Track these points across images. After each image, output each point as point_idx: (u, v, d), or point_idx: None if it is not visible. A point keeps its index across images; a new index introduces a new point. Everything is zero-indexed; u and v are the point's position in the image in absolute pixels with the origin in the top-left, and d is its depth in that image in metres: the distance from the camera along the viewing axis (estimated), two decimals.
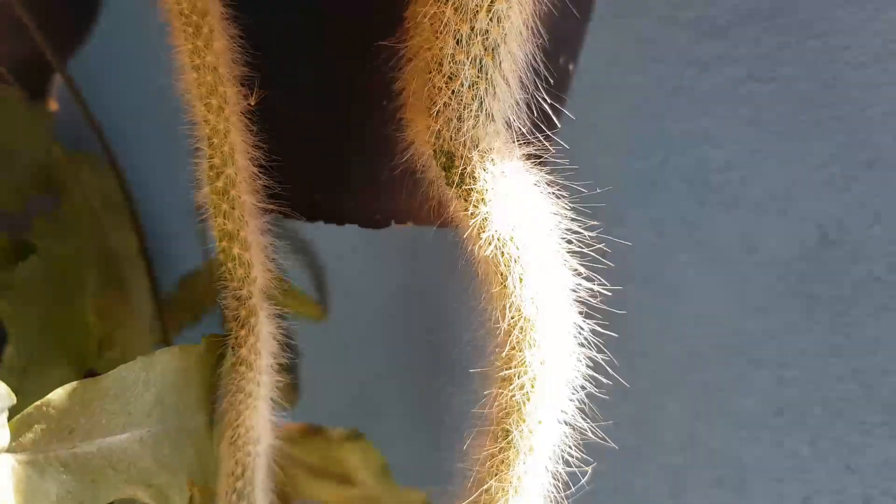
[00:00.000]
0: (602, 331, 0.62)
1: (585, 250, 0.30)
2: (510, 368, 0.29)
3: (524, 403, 0.29)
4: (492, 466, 0.30)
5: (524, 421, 0.29)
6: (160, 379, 0.29)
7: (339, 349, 0.64)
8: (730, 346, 0.57)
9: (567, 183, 0.32)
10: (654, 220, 0.57)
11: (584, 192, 0.31)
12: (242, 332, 0.33)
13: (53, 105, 0.60)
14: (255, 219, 0.32)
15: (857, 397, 0.54)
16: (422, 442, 0.62)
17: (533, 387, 0.29)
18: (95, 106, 0.55)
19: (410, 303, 0.63)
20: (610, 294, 0.59)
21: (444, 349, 0.62)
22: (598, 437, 0.31)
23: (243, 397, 0.33)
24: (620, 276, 0.59)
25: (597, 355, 0.30)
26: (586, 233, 0.29)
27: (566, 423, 0.30)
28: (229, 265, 0.32)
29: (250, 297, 0.32)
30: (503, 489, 0.30)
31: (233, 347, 0.33)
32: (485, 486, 0.30)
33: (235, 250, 0.31)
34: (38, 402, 0.26)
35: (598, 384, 0.30)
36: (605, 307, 0.32)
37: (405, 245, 0.63)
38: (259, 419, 0.34)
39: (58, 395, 0.26)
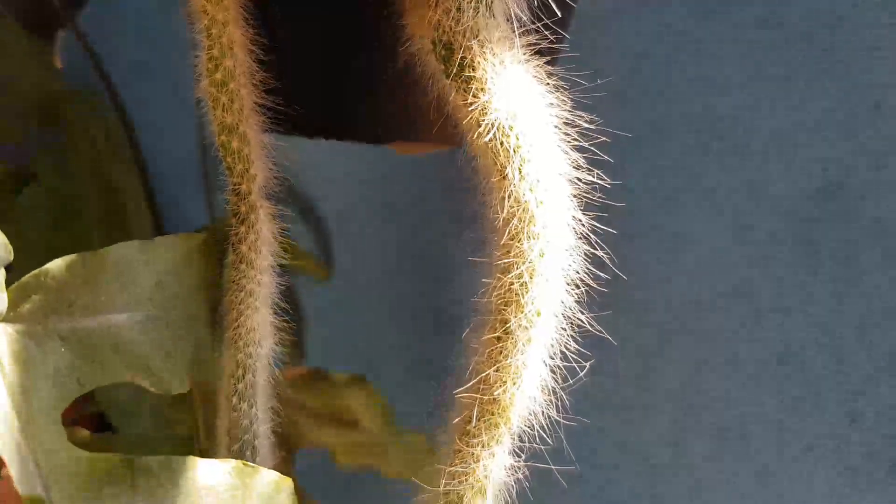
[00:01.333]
0: (604, 286, 0.61)
1: (585, 145, 0.29)
2: (508, 258, 0.28)
3: (522, 294, 0.29)
4: (490, 357, 0.29)
5: (522, 311, 0.29)
6: (160, 263, 0.29)
7: (341, 298, 0.64)
8: (733, 294, 0.57)
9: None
10: (658, 168, 0.56)
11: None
12: (242, 229, 0.32)
13: (58, 63, 0.59)
14: (254, 115, 0.31)
15: (860, 344, 0.53)
16: (423, 387, 0.62)
17: (531, 277, 0.29)
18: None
19: (415, 252, 0.62)
20: (611, 243, 0.59)
21: (445, 298, 0.62)
22: (595, 330, 0.30)
23: (244, 296, 0.33)
24: (623, 227, 0.58)
25: (596, 252, 0.30)
26: (585, 124, 0.29)
27: (565, 317, 0.30)
28: (228, 159, 0.31)
29: (250, 194, 0.32)
30: (501, 379, 0.29)
31: (233, 245, 0.33)
32: (482, 376, 0.29)
33: (234, 144, 0.31)
34: (35, 271, 0.25)
35: (596, 278, 0.30)
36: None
37: (408, 190, 0.63)
38: (260, 320, 0.33)
39: (56, 265, 0.26)
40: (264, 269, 0.33)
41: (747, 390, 0.57)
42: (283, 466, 0.42)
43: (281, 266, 0.61)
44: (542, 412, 0.30)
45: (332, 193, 0.63)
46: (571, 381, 0.30)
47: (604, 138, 0.31)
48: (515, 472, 0.31)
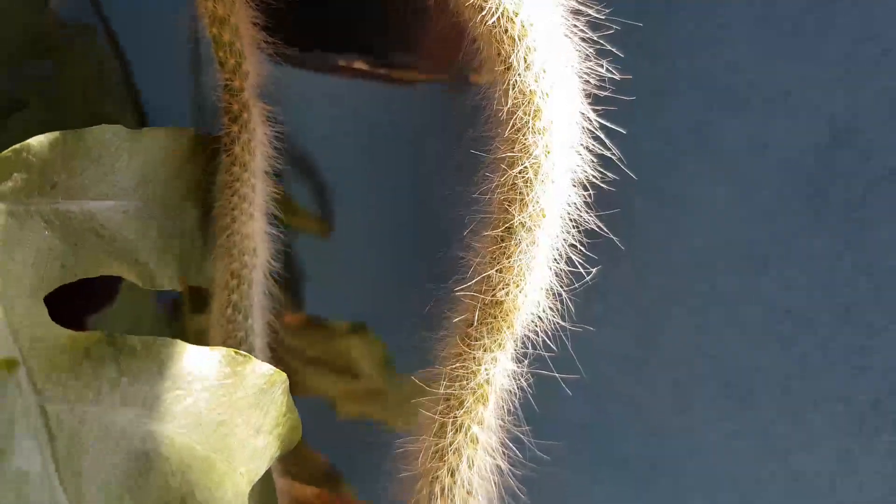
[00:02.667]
0: (606, 241, 0.60)
1: (592, 35, 0.28)
2: (512, 152, 0.27)
3: (527, 192, 0.27)
4: (492, 257, 0.28)
5: (526, 210, 0.27)
6: (146, 154, 0.27)
7: (340, 247, 0.62)
8: (737, 252, 0.56)
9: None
10: (661, 126, 0.55)
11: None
12: (235, 128, 0.31)
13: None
14: (247, 8, 0.29)
15: (866, 299, 0.52)
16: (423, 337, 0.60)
17: (536, 175, 0.27)
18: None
19: (414, 197, 0.61)
20: (613, 201, 0.58)
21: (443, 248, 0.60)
22: (601, 229, 0.28)
23: (238, 201, 0.31)
24: (626, 187, 0.57)
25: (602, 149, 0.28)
26: (595, 14, 0.27)
27: (570, 218, 0.28)
28: (220, 53, 0.30)
29: (242, 91, 0.30)
30: (503, 281, 0.28)
31: (225, 145, 0.31)
32: (484, 276, 0.27)
33: (226, 37, 0.29)
34: (17, 146, 0.24)
35: (603, 177, 0.28)
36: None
37: (405, 135, 0.62)
38: (255, 228, 0.31)
39: (38, 141, 0.24)
40: (258, 174, 0.31)
41: (751, 348, 0.56)
42: None
43: (281, 223, 0.59)
44: (547, 318, 0.29)
45: (327, 143, 0.61)
46: (577, 286, 0.28)
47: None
48: (518, 378, 0.29)
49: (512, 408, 0.30)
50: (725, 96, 0.55)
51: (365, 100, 0.61)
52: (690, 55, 0.55)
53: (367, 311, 0.58)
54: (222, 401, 0.25)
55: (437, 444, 0.30)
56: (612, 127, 0.29)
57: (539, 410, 0.31)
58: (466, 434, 0.30)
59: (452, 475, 0.30)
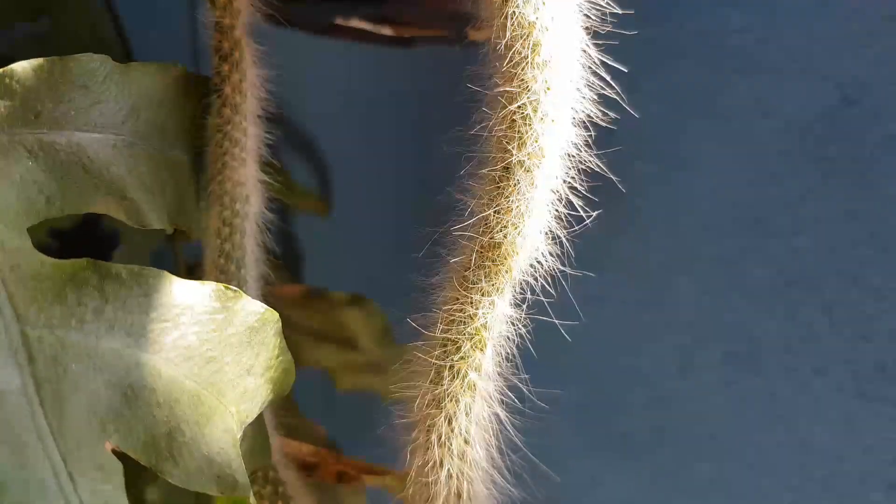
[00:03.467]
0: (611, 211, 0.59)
1: None
2: (511, 86, 0.26)
3: (525, 130, 0.26)
4: (489, 198, 0.27)
5: (525, 149, 0.26)
6: (135, 87, 0.26)
7: (339, 218, 0.61)
8: (743, 216, 0.55)
9: None
10: (667, 89, 0.54)
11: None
12: (226, 68, 0.30)
13: None
14: None
15: (872, 263, 0.51)
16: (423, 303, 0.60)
17: (535, 111, 0.26)
18: None
19: (413, 160, 0.60)
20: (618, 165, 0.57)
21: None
22: (603, 170, 0.27)
23: (229, 146, 0.30)
24: (632, 149, 0.56)
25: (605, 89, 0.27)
26: None
27: (571, 157, 0.27)
28: None
29: (233, 29, 0.29)
30: (501, 223, 0.27)
31: (216, 86, 0.30)
32: (481, 216, 0.26)
33: None
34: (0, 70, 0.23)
35: (605, 116, 0.27)
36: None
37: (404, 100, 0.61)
38: (248, 175, 0.30)
39: (22, 67, 0.23)
40: (250, 117, 0.30)
41: (757, 314, 0.55)
42: None
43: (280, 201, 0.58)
44: (547, 263, 0.28)
45: (324, 113, 0.60)
46: (577, 229, 0.27)
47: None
48: (517, 324, 0.28)
49: (511, 355, 0.29)
50: (733, 59, 0.54)
51: (362, 65, 0.60)
52: (697, 17, 0.54)
53: (367, 282, 0.57)
54: (212, 336, 0.24)
55: (433, 391, 0.29)
56: (616, 65, 0.28)
57: (538, 357, 0.30)
58: (464, 381, 0.29)
59: (450, 423, 0.29)
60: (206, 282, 0.24)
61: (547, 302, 0.29)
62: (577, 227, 0.28)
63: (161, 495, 0.33)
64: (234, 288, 0.24)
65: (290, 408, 0.44)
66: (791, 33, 0.51)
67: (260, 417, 0.28)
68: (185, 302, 0.24)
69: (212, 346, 0.24)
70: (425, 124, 0.59)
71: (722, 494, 0.58)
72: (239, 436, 0.25)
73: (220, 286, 0.24)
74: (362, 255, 0.62)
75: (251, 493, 0.24)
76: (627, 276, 0.58)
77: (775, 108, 0.54)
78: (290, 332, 0.54)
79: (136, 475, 0.25)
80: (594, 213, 0.28)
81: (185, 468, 0.23)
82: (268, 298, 0.33)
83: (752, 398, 0.56)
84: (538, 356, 0.29)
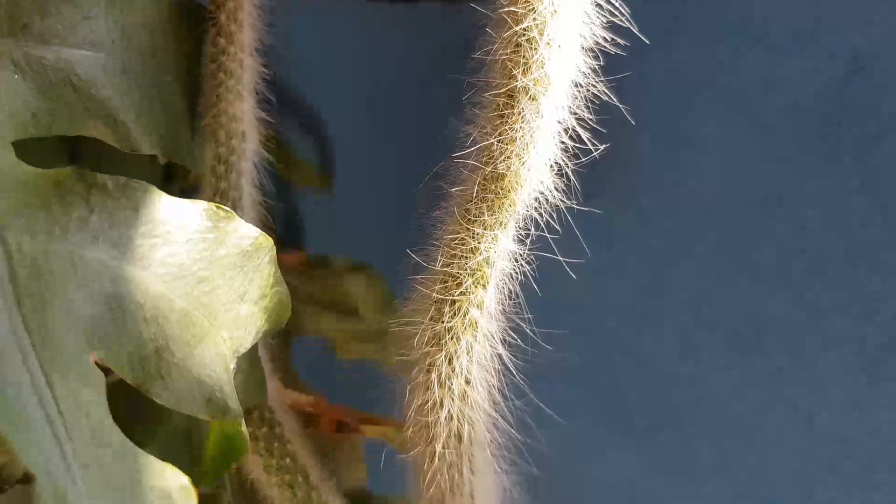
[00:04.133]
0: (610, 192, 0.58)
1: None
2: (516, 7, 0.25)
3: (531, 54, 0.25)
4: (492, 126, 0.26)
5: (530, 75, 0.25)
6: (127, 9, 0.25)
7: (340, 185, 0.61)
8: (748, 196, 0.54)
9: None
10: (671, 67, 0.53)
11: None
12: None
13: None
14: None
15: (880, 240, 0.50)
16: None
17: (541, 35, 0.25)
18: None
19: (417, 125, 0.59)
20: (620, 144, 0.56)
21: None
22: (610, 97, 0.26)
23: (224, 77, 0.29)
24: (635, 128, 0.55)
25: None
26: None
27: (577, 85, 0.26)
28: None
29: None
30: (504, 153, 0.25)
31: (210, 13, 0.29)
32: (484, 145, 0.25)
33: None
34: None
35: (613, 44, 0.26)
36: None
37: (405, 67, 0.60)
38: (244, 110, 0.29)
39: None
40: (246, 48, 0.29)
41: (761, 293, 0.54)
42: (281, 354, 0.38)
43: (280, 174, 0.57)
44: (552, 197, 0.26)
45: (323, 79, 0.60)
46: (584, 160, 0.26)
47: None
48: (520, 261, 0.27)
49: (514, 294, 0.28)
50: (737, 34, 0.53)
51: (363, 27, 0.59)
52: None
53: (368, 249, 0.56)
54: (203, 255, 0.23)
55: (433, 328, 0.28)
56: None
57: (542, 296, 0.29)
58: (465, 318, 0.27)
59: (450, 363, 0.28)
60: (196, 200, 0.23)
61: (552, 238, 0.27)
62: (584, 160, 0.26)
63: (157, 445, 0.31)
64: (227, 208, 0.23)
65: (289, 372, 0.43)
66: (797, 8, 0.51)
67: (255, 353, 0.27)
68: (175, 219, 0.23)
69: (203, 266, 0.23)
70: (430, 86, 0.58)
71: (724, 478, 0.57)
72: (232, 366, 0.24)
73: (212, 205, 0.23)
74: (364, 222, 0.61)
75: (243, 421, 0.23)
76: (629, 258, 0.58)
77: (781, 86, 0.53)
78: (291, 300, 0.53)
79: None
80: (602, 147, 0.27)
81: (174, 389, 0.22)
82: (263, 223, 0.32)
83: (756, 380, 0.55)
84: (542, 293, 0.28)
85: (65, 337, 0.21)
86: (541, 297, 0.31)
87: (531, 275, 0.28)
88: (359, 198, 0.63)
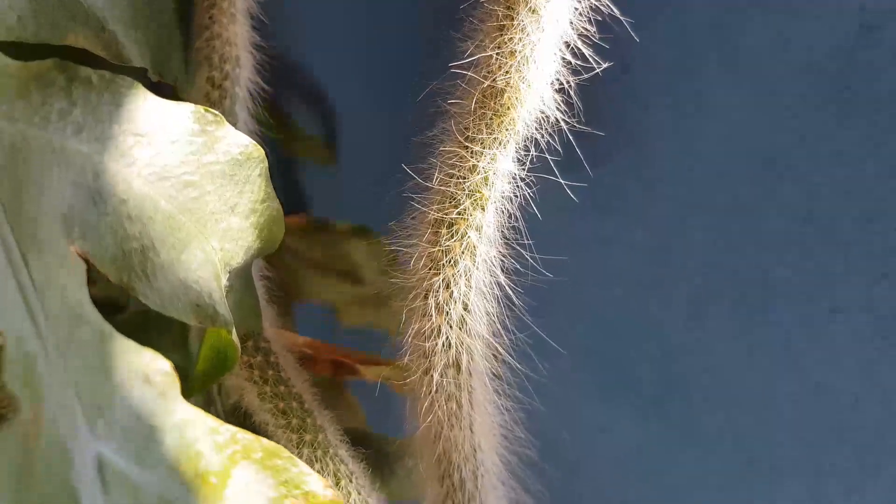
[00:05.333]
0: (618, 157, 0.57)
1: None
2: None
3: None
4: (490, 39, 0.25)
5: None
6: None
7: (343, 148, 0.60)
8: (758, 160, 0.53)
9: None
10: (677, 28, 0.52)
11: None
12: None
13: None
14: None
15: (890, 203, 0.49)
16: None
17: None
18: None
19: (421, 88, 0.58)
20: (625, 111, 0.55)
21: None
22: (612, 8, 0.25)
23: None
24: (642, 93, 0.54)
25: None
26: None
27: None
28: None
29: None
30: (503, 68, 0.25)
31: None
32: (482, 57, 0.24)
33: None
34: None
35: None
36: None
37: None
38: (238, 33, 0.28)
39: None
40: None
41: (770, 259, 0.53)
42: (284, 320, 0.38)
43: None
44: (554, 117, 0.25)
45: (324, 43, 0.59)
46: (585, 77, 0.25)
47: None
48: (520, 184, 0.26)
49: (514, 219, 0.27)
50: None
51: None
52: None
53: (371, 212, 0.56)
54: (189, 159, 0.22)
55: (431, 251, 0.27)
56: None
57: (545, 224, 0.28)
58: (462, 240, 0.27)
59: (448, 288, 0.27)
60: (183, 102, 0.22)
61: (553, 161, 0.26)
62: (586, 76, 0.25)
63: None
64: (216, 112, 0.22)
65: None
66: None
67: (249, 277, 0.26)
68: (161, 118, 0.22)
69: (189, 170, 0.22)
70: (433, 51, 0.57)
71: (733, 445, 0.56)
72: (224, 280, 0.23)
73: (200, 108, 0.22)
74: (366, 185, 0.60)
75: (234, 330, 0.22)
76: (636, 224, 0.57)
77: (791, 46, 0.52)
78: (293, 263, 0.53)
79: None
80: (605, 65, 0.26)
81: (160, 290, 0.21)
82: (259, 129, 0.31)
83: (765, 345, 0.54)
84: (544, 222, 0.27)
85: (42, 219, 0.20)
86: (543, 230, 0.30)
87: (532, 197, 0.27)
88: (361, 162, 0.62)
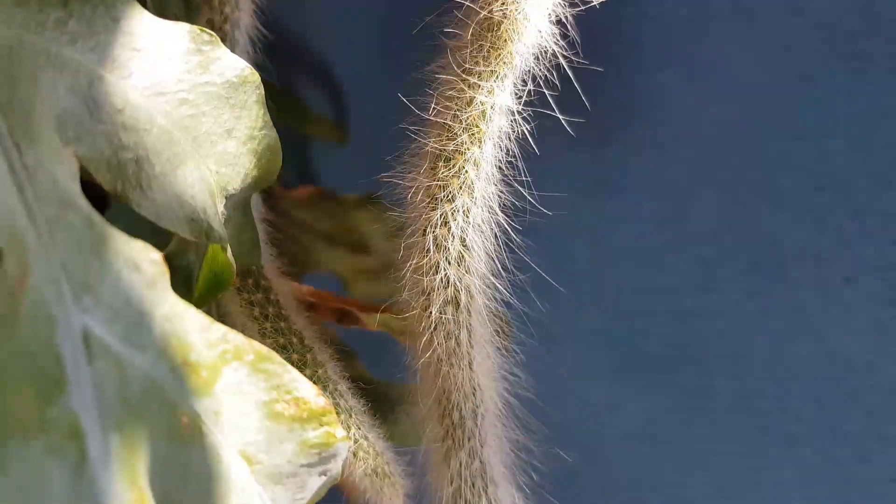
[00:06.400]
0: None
1: None
2: None
3: None
4: None
5: None
6: None
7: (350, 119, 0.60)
8: (771, 121, 0.53)
9: None
10: None
11: None
12: None
13: None
14: None
15: None
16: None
17: None
18: None
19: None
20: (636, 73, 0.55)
21: None
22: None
23: None
24: (650, 54, 0.54)
25: None
26: None
27: None
28: None
29: None
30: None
31: None
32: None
33: None
34: None
35: None
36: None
37: None
38: None
39: None
40: None
41: (783, 222, 0.53)
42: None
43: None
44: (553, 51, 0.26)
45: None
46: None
47: None
48: (518, 119, 0.26)
49: (513, 157, 0.28)
50: None
51: None
52: None
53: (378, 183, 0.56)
54: (185, 77, 0.22)
55: (428, 185, 0.27)
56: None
57: (541, 158, 0.28)
58: (460, 174, 0.27)
59: (446, 224, 0.27)
60: (179, 22, 0.23)
61: (550, 95, 0.27)
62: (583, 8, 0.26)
63: None
64: (212, 32, 0.23)
65: None
66: None
67: (247, 209, 0.27)
68: (156, 34, 0.22)
69: (185, 88, 0.22)
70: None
71: (745, 412, 0.55)
72: (221, 206, 0.24)
73: (195, 27, 0.23)
74: (373, 155, 0.60)
75: (229, 248, 0.23)
76: (648, 192, 0.57)
77: (804, 5, 0.52)
78: (301, 235, 0.53)
79: None
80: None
81: (154, 201, 0.21)
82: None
83: (777, 311, 0.53)
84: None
85: (35, 116, 0.20)
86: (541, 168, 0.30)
87: (530, 132, 0.27)
88: (369, 133, 0.62)
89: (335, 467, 0.22)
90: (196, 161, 0.23)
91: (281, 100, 0.60)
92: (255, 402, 0.20)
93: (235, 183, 0.24)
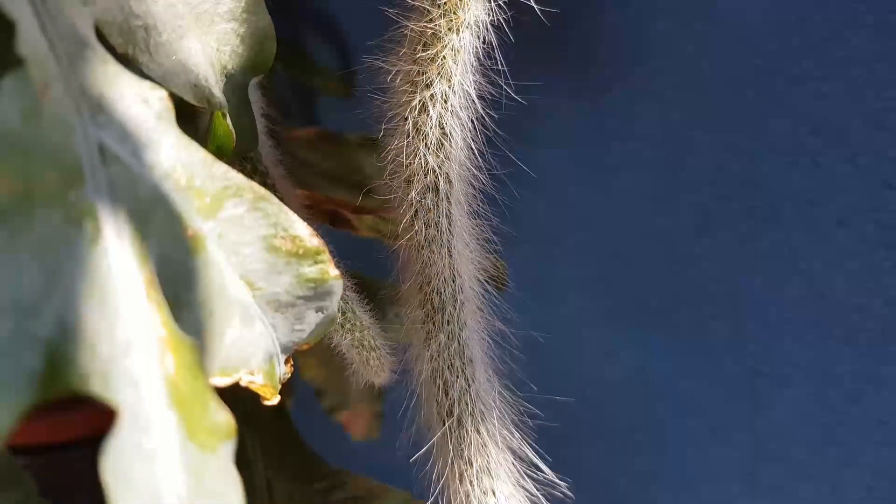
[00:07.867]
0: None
1: None
2: None
3: None
4: None
5: None
6: None
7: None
8: (767, 65, 0.54)
9: None
10: None
11: None
12: None
13: None
14: None
15: None
16: None
17: None
18: None
19: None
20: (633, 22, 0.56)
21: None
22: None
23: None
24: (652, 3, 0.55)
25: None
26: None
27: None
28: None
29: None
30: None
31: None
32: None
33: None
34: None
35: None
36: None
37: None
38: None
39: None
40: None
41: (778, 166, 0.54)
42: None
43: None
44: None
45: None
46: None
47: None
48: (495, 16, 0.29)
49: (491, 51, 0.30)
50: None
51: None
52: None
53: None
54: None
55: (408, 70, 0.30)
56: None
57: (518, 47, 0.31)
58: (437, 58, 0.30)
59: (426, 111, 0.30)
60: None
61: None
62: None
63: None
64: None
65: None
66: None
67: (245, 97, 0.30)
68: None
69: None
70: None
71: (739, 355, 0.57)
72: (221, 80, 0.27)
73: None
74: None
75: (227, 114, 0.27)
76: (644, 136, 0.58)
77: None
78: (304, 174, 0.56)
79: None
80: None
81: (161, 64, 0.25)
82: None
83: (771, 253, 0.54)
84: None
85: None
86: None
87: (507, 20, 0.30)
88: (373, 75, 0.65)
89: (331, 305, 0.26)
90: (198, 35, 0.26)
91: (288, 54, 0.63)
92: (254, 235, 0.24)
93: (233, 63, 0.28)
